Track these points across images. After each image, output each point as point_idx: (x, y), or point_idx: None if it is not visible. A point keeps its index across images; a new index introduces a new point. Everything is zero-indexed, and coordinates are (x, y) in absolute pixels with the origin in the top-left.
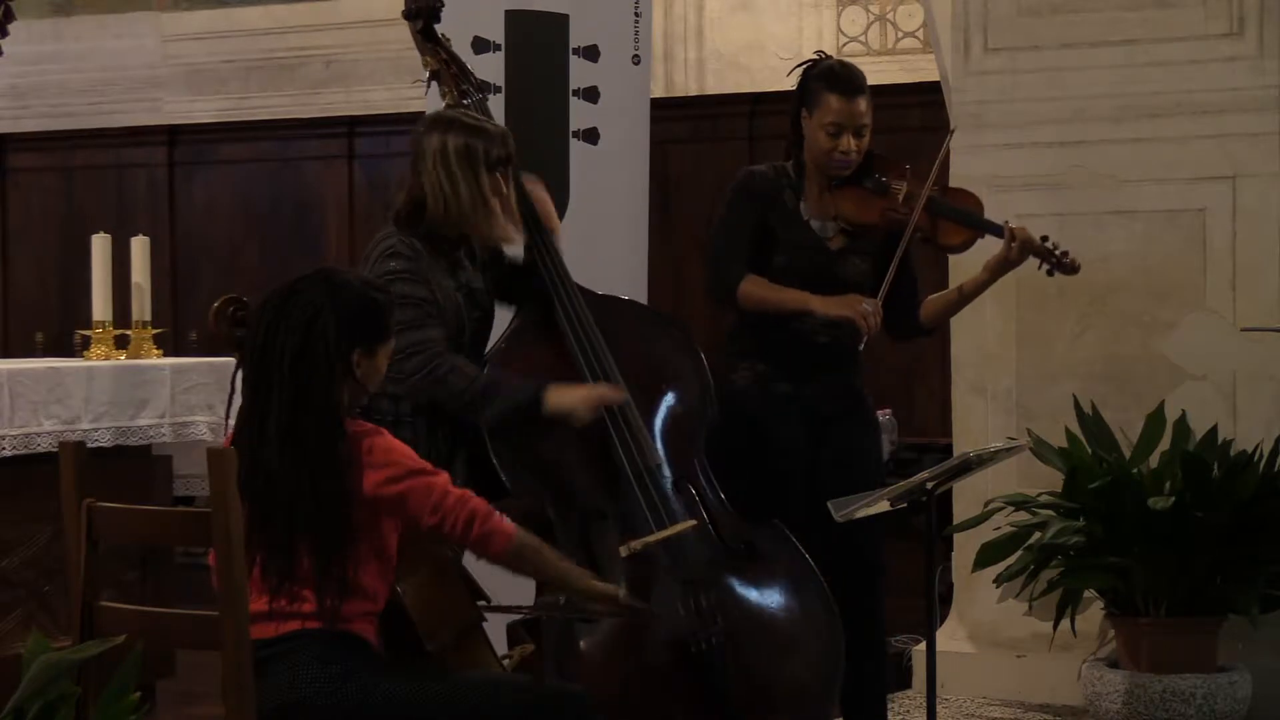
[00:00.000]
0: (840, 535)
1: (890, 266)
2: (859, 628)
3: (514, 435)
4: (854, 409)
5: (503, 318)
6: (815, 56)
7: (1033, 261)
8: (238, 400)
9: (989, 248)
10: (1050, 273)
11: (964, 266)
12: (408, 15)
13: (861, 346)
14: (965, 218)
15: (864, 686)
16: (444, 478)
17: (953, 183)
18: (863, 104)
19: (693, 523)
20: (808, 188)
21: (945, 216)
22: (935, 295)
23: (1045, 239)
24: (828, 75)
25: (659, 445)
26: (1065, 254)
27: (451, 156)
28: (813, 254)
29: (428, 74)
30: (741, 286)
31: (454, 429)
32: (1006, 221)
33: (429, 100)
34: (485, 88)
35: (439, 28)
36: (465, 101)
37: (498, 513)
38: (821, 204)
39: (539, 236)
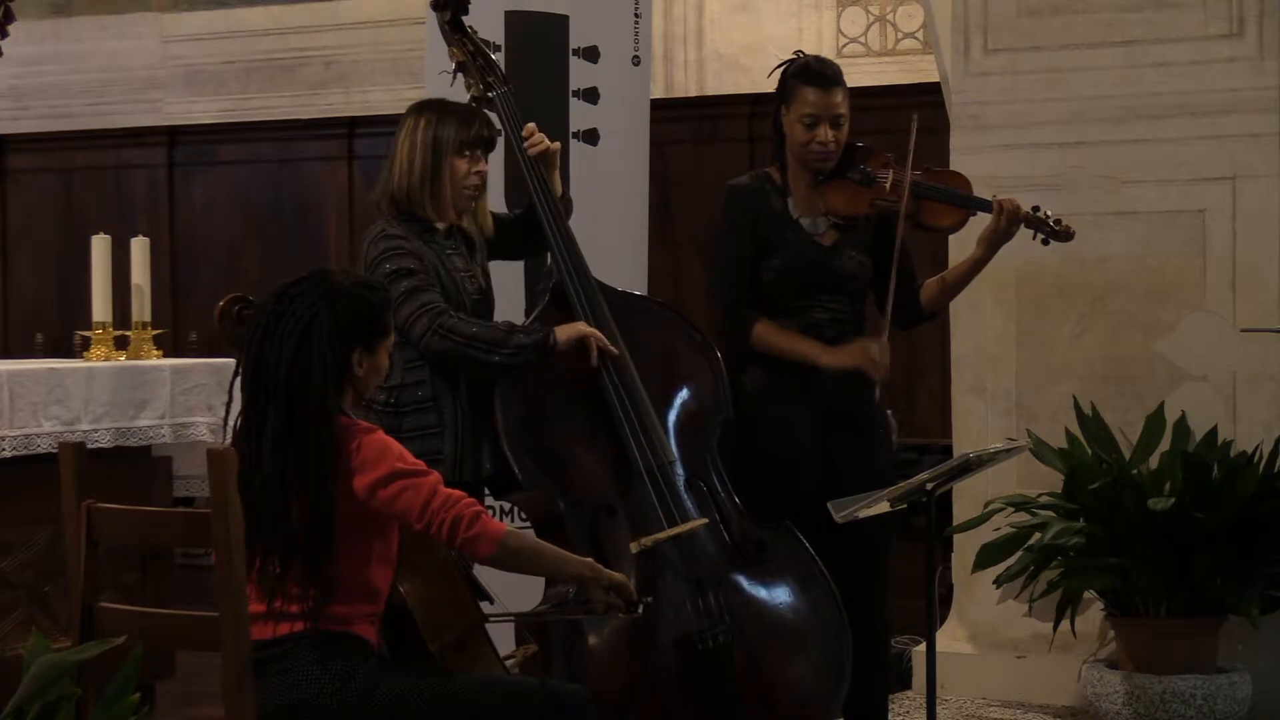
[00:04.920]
0: (848, 531)
1: (893, 257)
2: (863, 627)
3: (529, 426)
4: (864, 404)
5: (507, 308)
6: (792, 56)
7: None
8: (236, 407)
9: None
10: (1045, 241)
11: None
12: (436, 5)
13: (878, 395)
14: (953, 197)
15: (866, 686)
16: (433, 479)
17: None
18: (838, 95)
19: (704, 520)
20: (794, 187)
21: (933, 198)
22: (933, 279)
23: (1036, 209)
24: (801, 70)
25: (672, 442)
26: (1059, 221)
27: (418, 135)
28: (807, 252)
29: (453, 65)
30: (755, 331)
31: (479, 421)
32: (994, 195)
33: (453, 93)
34: (509, 81)
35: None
36: (491, 94)
37: (486, 514)
38: (810, 201)
39: (558, 230)
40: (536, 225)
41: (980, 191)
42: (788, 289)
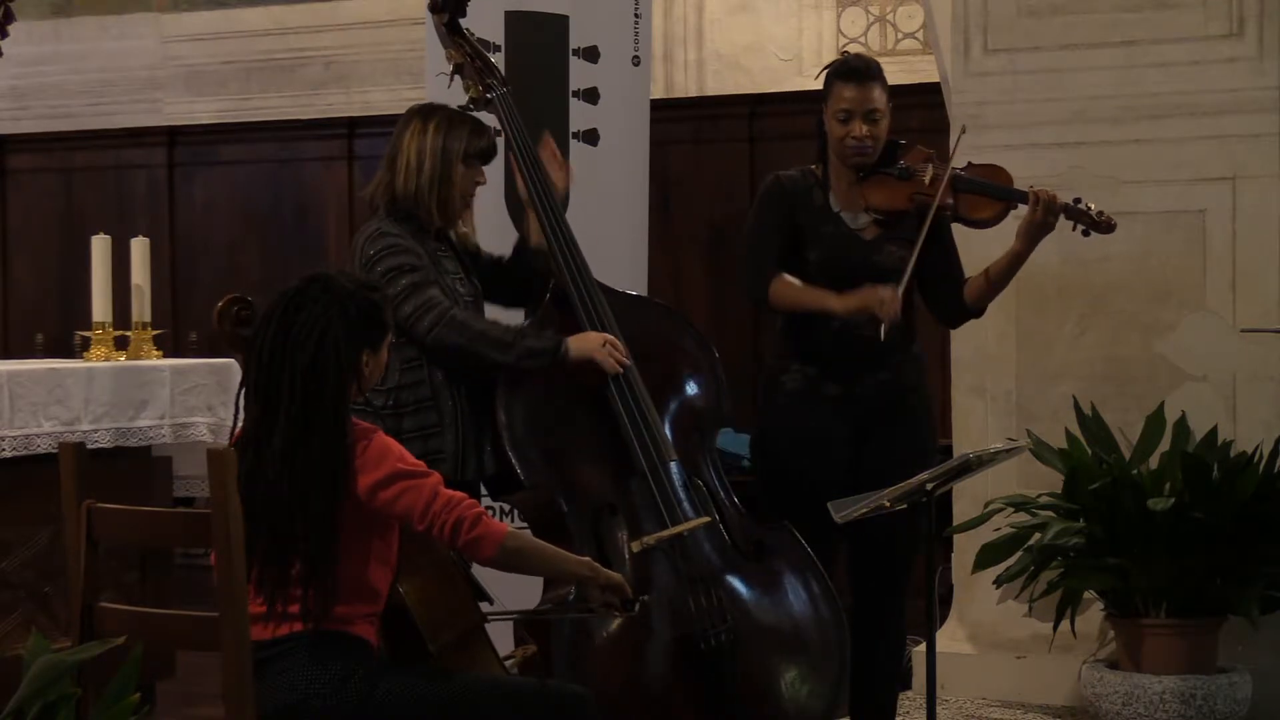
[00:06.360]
0: (875, 538)
1: (919, 248)
2: (881, 629)
3: (530, 425)
4: (905, 408)
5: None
6: (840, 56)
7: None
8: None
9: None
10: (1086, 233)
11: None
12: (433, 8)
13: (883, 336)
14: (991, 190)
15: (877, 687)
16: (434, 480)
17: None
18: (873, 91)
19: (705, 519)
20: (835, 183)
21: (971, 191)
22: (976, 274)
23: (1078, 200)
24: (838, 67)
25: (673, 442)
26: (1100, 213)
27: (428, 139)
28: (848, 246)
29: (451, 67)
30: (772, 286)
31: (479, 418)
32: (1031, 186)
33: (450, 95)
34: (509, 81)
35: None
36: (490, 95)
37: (487, 515)
38: (851, 197)
39: (558, 230)
40: (521, 270)
41: None
42: (827, 282)
